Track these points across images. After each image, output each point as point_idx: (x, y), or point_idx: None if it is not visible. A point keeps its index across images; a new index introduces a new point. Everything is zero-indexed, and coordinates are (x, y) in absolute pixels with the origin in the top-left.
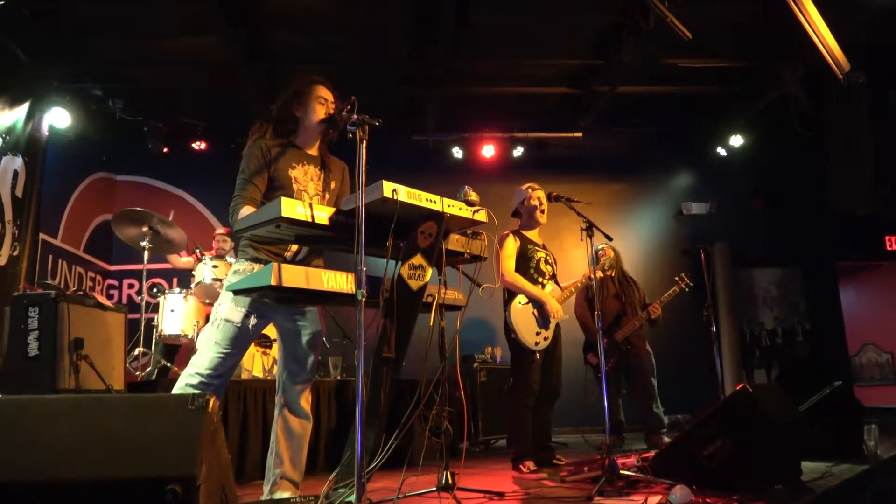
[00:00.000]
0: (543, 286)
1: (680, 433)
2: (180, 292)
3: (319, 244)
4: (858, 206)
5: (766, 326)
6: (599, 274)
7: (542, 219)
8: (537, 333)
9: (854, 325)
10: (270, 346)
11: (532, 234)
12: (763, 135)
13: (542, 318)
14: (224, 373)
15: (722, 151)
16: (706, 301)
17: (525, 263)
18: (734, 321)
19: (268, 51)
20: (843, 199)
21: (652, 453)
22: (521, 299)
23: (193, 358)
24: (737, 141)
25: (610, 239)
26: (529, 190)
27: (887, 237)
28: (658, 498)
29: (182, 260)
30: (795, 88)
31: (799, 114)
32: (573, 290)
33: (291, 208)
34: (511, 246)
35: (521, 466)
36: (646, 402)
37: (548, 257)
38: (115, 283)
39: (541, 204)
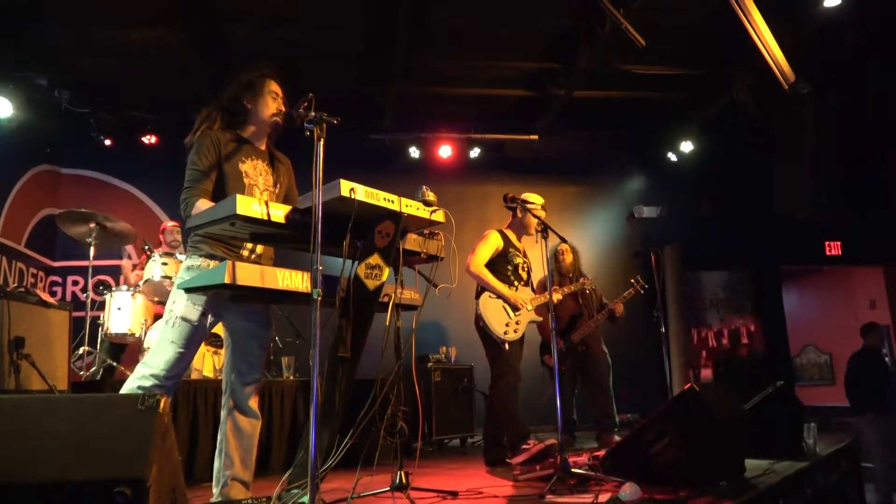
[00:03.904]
0: (516, 289)
1: (630, 432)
2: (128, 290)
3: (274, 242)
4: (801, 211)
5: (712, 328)
6: (558, 296)
7: (531, 233)
8: (506, 324)
9: (796, 327)
10: (221, 346)
11: (515, 239)
12: (713, 141)
13: (512, 308)
14: (179, 373)
15: (673, 156)
16: (656, 303)
17: (503, 265)
18: (682, 322)
19: (222, 45)
20: (788, 204)
21: (603, 452)
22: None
23: (146, 358)
24: (687, 146)
25: (563, 240)
26: (538, 208)
27: (827, 242)
28: (608, 495)
29: (133, 274)
30: (744, 97)
31: (747, 121)
32: (542, 299)
33: (247, 206)
34: (493, 242)
35: (523, 447)
36: (601, 403)
37: (525, 265)
38: (59, 279)
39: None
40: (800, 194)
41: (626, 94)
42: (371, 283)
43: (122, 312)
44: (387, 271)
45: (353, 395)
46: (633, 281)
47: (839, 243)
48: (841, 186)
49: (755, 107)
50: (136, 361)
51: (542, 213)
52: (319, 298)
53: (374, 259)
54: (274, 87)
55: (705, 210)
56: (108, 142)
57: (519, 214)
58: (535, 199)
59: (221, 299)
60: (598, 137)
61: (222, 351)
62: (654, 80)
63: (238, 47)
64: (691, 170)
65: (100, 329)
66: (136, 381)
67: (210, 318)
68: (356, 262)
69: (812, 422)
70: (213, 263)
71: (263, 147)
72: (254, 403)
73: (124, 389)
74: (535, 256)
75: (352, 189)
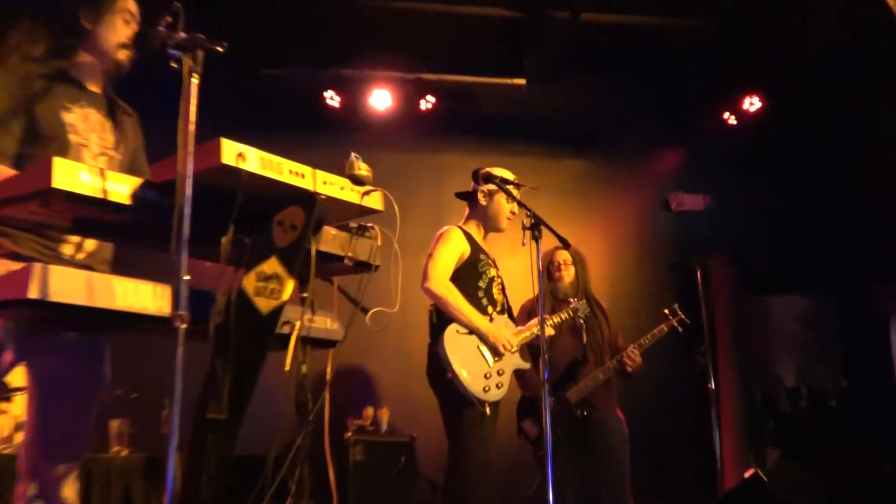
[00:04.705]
0: (491, 319)
1: None
2: None
3: (114, 236)
4: None
5: (784, 383)
6: (550, 331)
7: (503, 227)
8: (486, 376)
9: None
10: (10, 400)
11: (482, 240)
12: (789, 98)
13: (492, 352)
14: None
15: (731, 119)
16: (701, 343)
17: (473, 280)
18: (740, 373)
19: None
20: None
21: None
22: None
23: None
24: (753, 104)
25: (566, 244)
26: (508, 187)
27: None
28: None
29: None
30: (838, 33)
31: (841, 71)
32: (528, 334)
33: (70, 175)
34: (457, 244)
35: None
36: (612, 495)
37: (500, 279)
38: None
39: (511, 213)
40: None
41: (659, 21)
42: (265, 304)
43: None
44: (290, 286)
45: (232, 479)
46: (666, 312)
47: None
48: None
49: (853, 50)
50: None
51: (516, 193)
52: (183, 326)
53: (272, 266)
54: (130, 4)
55: (769, 202)
56: None
57: (483, 201)
58: (502, 174)
59: (25, 325)
60: (616, 87)
61: (12, 408)
62: (701, 2)
63: None
64: (757, 141)
65: None
66: None
67: (10, 357)
68: (243, 270)
69: None
70: (14, 267)
71: (98, 89)
72: (70, 492)
73: None
74: (513, 267)
75: (240, 154)
